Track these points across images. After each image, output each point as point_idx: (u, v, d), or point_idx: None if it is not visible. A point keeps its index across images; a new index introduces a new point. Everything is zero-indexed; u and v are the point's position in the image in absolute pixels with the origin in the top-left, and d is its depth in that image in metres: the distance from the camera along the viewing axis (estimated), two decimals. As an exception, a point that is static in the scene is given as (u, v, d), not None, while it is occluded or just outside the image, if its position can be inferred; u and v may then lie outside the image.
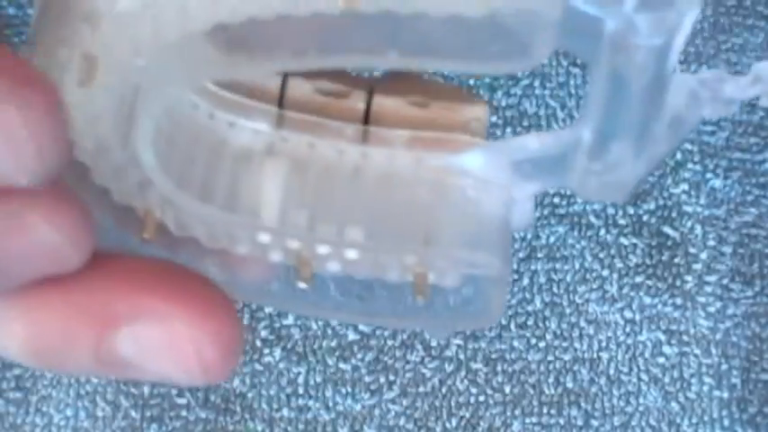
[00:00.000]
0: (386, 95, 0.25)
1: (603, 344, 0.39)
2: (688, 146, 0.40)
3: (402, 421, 0.38)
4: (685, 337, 0.39)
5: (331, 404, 0.38)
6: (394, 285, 0.25)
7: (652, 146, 0.23)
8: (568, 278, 0.39)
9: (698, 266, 0.39)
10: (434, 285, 0.25)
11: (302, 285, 0.24)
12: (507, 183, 0.25)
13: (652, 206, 0.40)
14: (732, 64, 0.41)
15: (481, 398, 0.39)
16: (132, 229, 0.24)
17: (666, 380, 0.39)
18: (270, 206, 0.24)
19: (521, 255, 0.40)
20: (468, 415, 0.39)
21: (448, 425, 0.38)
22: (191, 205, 0.23)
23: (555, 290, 0.39)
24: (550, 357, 0.39)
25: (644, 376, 0.39)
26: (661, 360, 0.39)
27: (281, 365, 0.39)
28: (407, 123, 0.25)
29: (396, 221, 0.24)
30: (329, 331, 0.39)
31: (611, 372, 0.39)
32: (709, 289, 0.39)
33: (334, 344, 0.39)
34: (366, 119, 0.25)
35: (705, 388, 0.39)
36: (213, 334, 0.21)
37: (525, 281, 0.39)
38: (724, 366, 0.39)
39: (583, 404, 0.39)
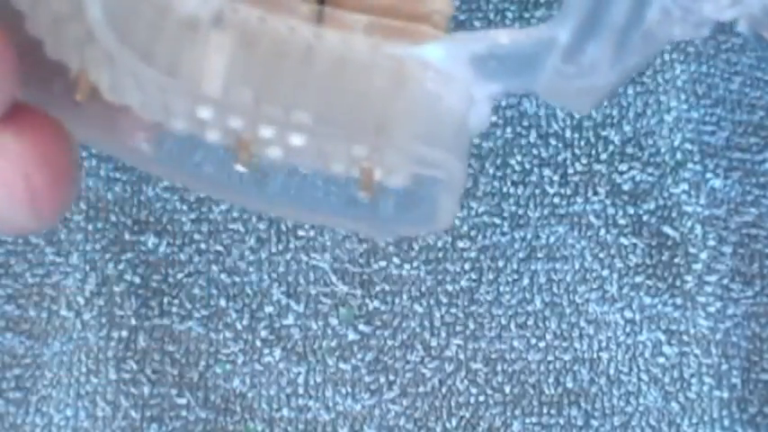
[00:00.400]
0: None
1: (603, 344, 0.39)
2: (688, 146, 0.40)
3: (402, 421, 0.38)
4: (685, 337, 0.39)
5: (331, 404, 0.38)
6: (336, 180, 0.24)
7: (627, 57, 0.23)
8: (568, 278, 0.39)
9: (698, 266, 0.39)
10: (380, 184, 0.23)
11: (240, 169, 0.23)
12: (469, 79, 0.23)
13: (652, 206, 0.40)
14: (732, 64, 0.41)
15: (481, 398, 0.39)
16: (57, 88, 0.22)
17: (666, 380, 0.39)
18: (213, 79, 0.23)
19: (521, 255, 0.40)
20: (468, 415, 0.39)
21: (448, 425, 0.38)
22: (131, 65, 0.22)
23: (555, 290, 0.39)
24: (550, 357, 0.39)
25: (644, 376, 0.39)
26: (661, 360, 0.39)
27: (281, 365, 0.39)
28: (366, 8, 0.23)
29: (347, 109, 0.23)
30: (329, 331, 0.39)
31: (611, 372, 0.39)
32: (709, 289, 0.39)
33: (334, 344, 0.39)
34: None
35: (705, 388, 0.39)
36: (41, 157, 0.20)
37: (525, 281, 0.39)
38: (724, 366, 0.39)
39: (583, 404, 0.39)
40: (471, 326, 0.39)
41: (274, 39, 0.23)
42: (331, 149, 0.23)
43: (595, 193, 0.40)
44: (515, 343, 0.39)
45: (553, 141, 0.40)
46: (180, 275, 0.39)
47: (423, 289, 0.39)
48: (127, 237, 0.39)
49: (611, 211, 0.40)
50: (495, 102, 0.24)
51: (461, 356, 0.39)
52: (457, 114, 0.24)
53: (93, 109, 0.23)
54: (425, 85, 0.23)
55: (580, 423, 0.39)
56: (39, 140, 0.21)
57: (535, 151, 0.40)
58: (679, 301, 0.39)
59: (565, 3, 0.22)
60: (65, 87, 0.22)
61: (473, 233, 0.40)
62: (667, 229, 0.40)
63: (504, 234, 0.40)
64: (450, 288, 0.39)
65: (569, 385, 0.39)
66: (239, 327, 0.39)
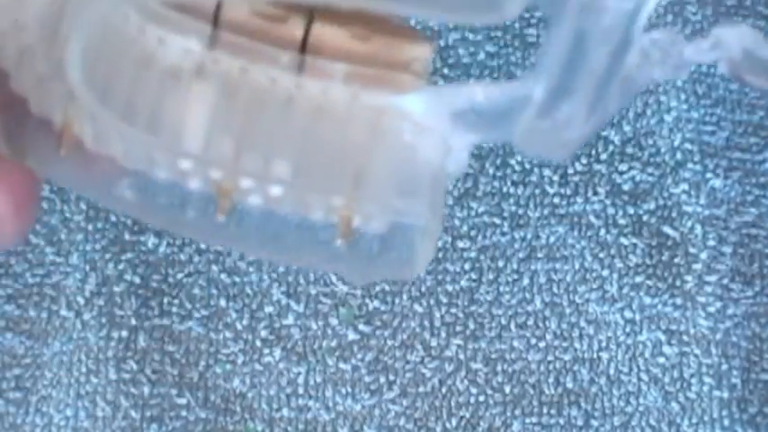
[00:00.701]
0: (326, 24, 0.23)
1: (603, 344, 0.39)
2: (688, 146, 0.40)
3: (402, 421, 0.38)
4: (685, 337, 0.39)
5: (331, 404, 0.38)
6: (315, 225, 0.24)
7: (605, 108, 0.23)
8: (568, 278, 0.39)
9: (698, 266, 0.39)
10: (358, 230, 0.24)
11: (220, 218, 0.23)
12: (447, 131, 0.24)
13: (652, 206, 0.40)
14: (732, 64, 0.41)
15: (481, 398, 0.39)
16: (41, 141, 0.23)
17: (666, 380, 0.39)
18: (194, 130, 0.23)
19: (521, 255, 0.40)
20: (468, 415, 0.39)
21: (448, 425, 0.38)
22: (112, 123, 0.22)
23: (555, 290, 0.39)
24: (550, 357, 0.39)
25: (644, 376, 0.39)
26: (661, 360, 0.39)
27: (281, 365, 0.39)
28: (346, 56, 0.23)
29: (325, 159, 0.23)
30: (329, 331, 0.39)
31: (611, 372, 0.39)
32: (709, 289, 0.39)
33: (334, 344, 0.39)
34: (303, 47, 0.23)
35: (705, 388, 0.39)
36: (6, 188, 0.22)
37: (525, 281, 0.39)
38: (724, 366, 0.39)
39: (583, 404, 0.39)
40: (471, 326, 0.39)
41: (255, 89, 0.23)
42: (310, 199, 0.23)
43: (595, 193, 0.40)
44: (515, 343, 0.39)
45: (553, 141, 0.40)
46: (180, 275, 0.39)
47: (423, 289, 0.39)
48: (127, 237, 0.39)
49: (611, 211, 0.40)
50: (473, 149, 0.24)
51: (461, 356, 0.39)
52: (433, 165, 0.24)
53: (76, 158, 0.23)
54: (402, 137, 0.23)
55: (580, 423, 0.39)
56: (4, 172, 0.23)
57: (535, 151, 0.40)
58: (679, 301, 0.39)
59: (538, 60, 0.22)
60: (49, 140, 0.23)
61: (473, 233, 0.40)
62: (667, 229, 0.40)
63: (504, 234, 0.40)
64: (450, 288, 0.39)
65: (569, 385, 0.39)
66: (239, 327, 0.39)
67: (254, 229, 0.24)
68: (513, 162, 0.40)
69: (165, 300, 0.39)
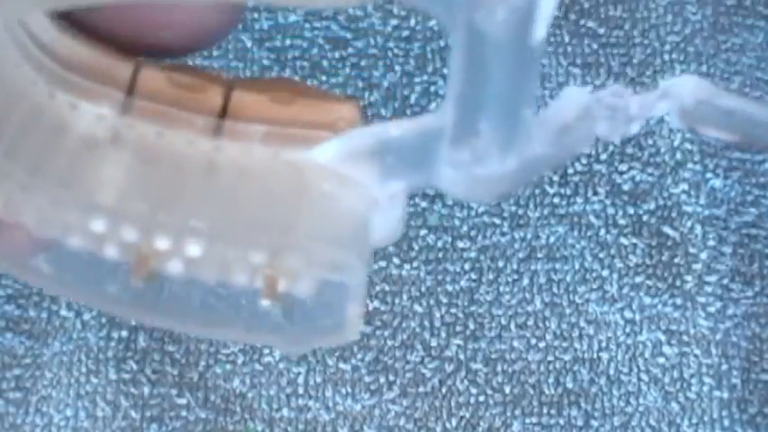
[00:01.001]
0: (247, 91, 0.23)
1: (603, 344, 0.39)
2: (688, 146, 0.40)
3: (402, 421, 0.38)
4: (685, 337, 0.39)
5: (331, 404, 0.38)
6: (241, 292, 0.23)
7: (525, 142, 0.21)
8: (568, 278, 0.39)
9: (698, 266, 0.39)
10: (286, 294, 0.23)
11: (138, 284, 0.22)
12: (367, 178, 0.23)
13: (652, 206, 0.40)
14: (732, 64, 0.41)
15: (481, 398, 0.39)
16: None
17: (666, 380, 0.39)
18: (107, 191, 0.22)
19: (521, 255, 0.40)
20: (468, 415, 0.39)
21: (448, 425, 0.38)
22: (21, 179, 0.21)
23: (555, 290, 0.39)
24: (550, 357, 0.39)
25: (644, 376, 0.39)
26: (661, 360, 0.39)
27: (281, 365, 0.39)
28: (267, 119, 0.23)
29: (246, 217, 0.22)
30: (329, 331, 0.39)
31: (611, 372, 0.39)
32: (709, 289, 0.39)
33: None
34: (223, 114, 0.23)
35: (705, 388, 0.39)
36: None
37: (525, 281, 0.39)
38: (724, 366, 0.39)
39: (583, 404, 0.39)
40: (471, 326, 0.39)
41: (172, 153, 0.22)
42: (231, 257, 0.22)
43: (595, 193, 0.40)
44: (515, 343, 0.39)
45: (553, 141, 0.40)
46: (180, 275, 0.39)
47: (423, 289, 0.39)
48: (127, 237, 0.39)
49: (611, 211, 0.40)
50: (403, 206, 0.23)
51: (461, 356, 0.39)
52: (357, 215, 0.23)
53: None
54: (322, 188, 0.23)
55: (580, 423, 0.39)
56: None
57: (535, 151, 0.40)
58: (679, 301, 0.39)
59: (447, 83, 0.21)
60: None
61: (473, 233, 0.40)
62: (667, 229, 0.40)
63: (504, 234, 0.40)
64: (450, 288, 0.39)
65: (569, 385, 0.39)
66: (239, 327, 0.39)
67: (176, 300, 0.24)
68: (513, 162, 0.40)
69: (165, 300, 0.39)
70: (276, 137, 0.23)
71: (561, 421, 0.39)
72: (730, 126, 0.23)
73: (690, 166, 0.40)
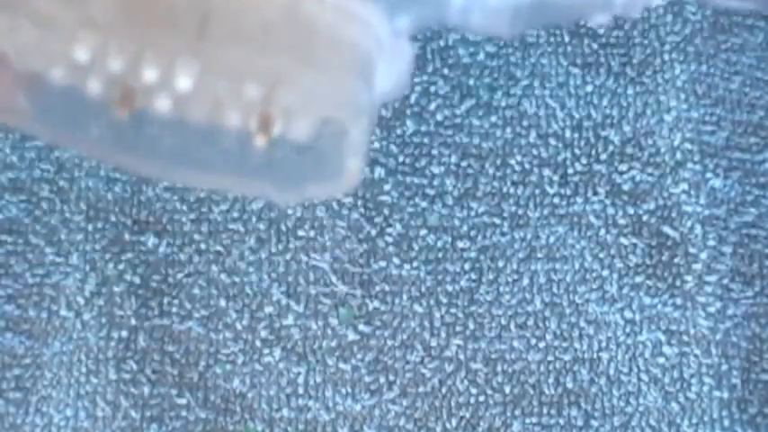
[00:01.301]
0: None
1: (603, 344, 0.39)
2: (688, 146, 0.40)
3: (402, 421, 0.38)
4: (685, 337, 0.39)
5: (331, 404, 0.38)
6: (233, 137, 0.22)
7: None
8: (568, 278, 0.39)
9: (698, 266, 0.39)
10: (281, 137, 0.21)
11: (123, 118, 0.21)
12: (372, 15, 0.21)
13: (652, 206, 0.40)
14: (732, 64, 0.41)
15: (481, 398, 0.39)
16: None
17: (666, 380, 0.39)
18: (94, 22, 0.21)
19: (521, 255, 0.40)
20: (468, 415, 0.39)
21: (448, 425, 0.38)
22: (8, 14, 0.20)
23: (555, 290, 0.39)
24: (550, 357, 0.39)
25: (644, 376, 0.39)
26: (661, 360, 0.39)
27: (281, 365, 0.39)
28: None
29: (241, 47, 0.21)
30: (329, 331, 0.39)
31: (611, 372, 0.39)
32: (709, 289, 0.39)
33: (334, 344, 0.39)
34: None
35: (705, 388, 0.39)
36: None
37: (525, 281, 0.39)
38: (724, 366, 0.39)
39: (583, 404, 0.39)
40: (471, 326, 0.39)
41: None
42: (223, 92, 0.21)
43: (595, 193, 0.40)
44: (515, 343, 0.39)
45: (553, 141, 0.40)
46: (180, 275, 0.39)
47: (423, 289, 0.39)
48: (127, 237, 0.39)
49: (611, 211, 0.40)
50: (410, 57, 0.22)
51: (461, 356, 0.39)
52: (361, 50, 0.22)
53: None
54: (325, 18, 0.21)
55: (580, 423, 0.39)
56: None
57: (535, 151, 0.40)
58: (679, 301, 0.39)
59: None
60: None
61: (473, 233, 0.40)
62: (667, 229, 0.40)
63: (504, 234, 0.40)
64: (450, 288, 0.39)
65: (569, 385, 0.39)
66: (239, 327, 0.39)
67: (161, 143, 0.22)
68: (512, 162, 0.40)
69: (165, 300, 0.39)
70: None
71: (561, 421, 0.39)
72: None
73: (690, 165, 0.40)
